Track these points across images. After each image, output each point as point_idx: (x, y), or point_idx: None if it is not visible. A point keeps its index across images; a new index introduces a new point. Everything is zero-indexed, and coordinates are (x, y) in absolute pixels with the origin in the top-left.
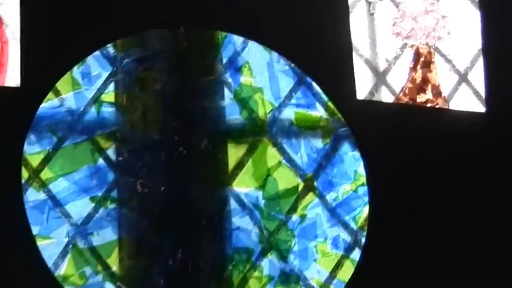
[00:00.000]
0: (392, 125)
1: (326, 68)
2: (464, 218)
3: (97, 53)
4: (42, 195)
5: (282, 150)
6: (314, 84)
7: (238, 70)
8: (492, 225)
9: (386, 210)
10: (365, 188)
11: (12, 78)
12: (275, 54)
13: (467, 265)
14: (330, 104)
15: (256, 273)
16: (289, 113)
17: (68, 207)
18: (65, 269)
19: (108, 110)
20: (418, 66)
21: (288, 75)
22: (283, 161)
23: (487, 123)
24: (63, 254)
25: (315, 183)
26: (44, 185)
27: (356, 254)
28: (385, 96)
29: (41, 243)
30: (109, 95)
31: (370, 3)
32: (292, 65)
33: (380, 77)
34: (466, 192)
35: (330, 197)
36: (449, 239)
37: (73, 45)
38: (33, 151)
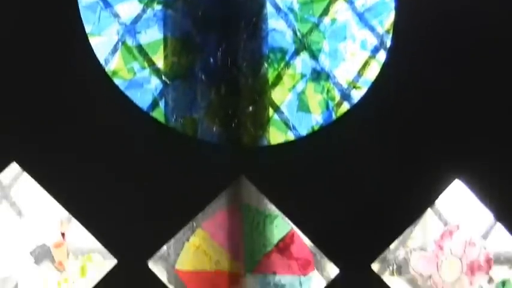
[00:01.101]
0: None
1: None
2: (488, 35)
3: None
4: None
5: None
6: None
7: None
8: None
9: (412, 16)
10: None
11: None
12: None
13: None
14: None
15: (289, 71)
16: None
17: (117, 7)
18: (114, 64)
19: None
20: None
21: None
22: None
23: None
24: (113, 51)
25: None
26: None
27: (382, 55)
28: None
29: (93, 40)
30: None
31: None
32: None
33: None
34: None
35: (358, 2)
36: (468, 43)
37: None
38: None
